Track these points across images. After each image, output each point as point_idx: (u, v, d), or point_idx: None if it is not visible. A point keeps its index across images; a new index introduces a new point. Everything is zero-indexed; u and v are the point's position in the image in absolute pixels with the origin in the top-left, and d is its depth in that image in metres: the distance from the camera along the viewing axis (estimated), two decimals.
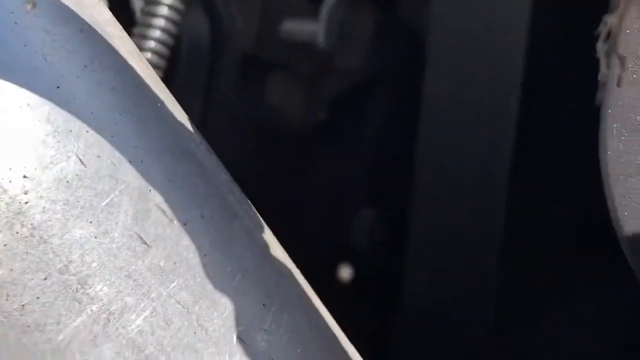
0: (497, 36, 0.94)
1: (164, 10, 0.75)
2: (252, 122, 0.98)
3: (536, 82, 0.97)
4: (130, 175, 0.45)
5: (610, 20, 0.33)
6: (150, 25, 0.74)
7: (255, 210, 0.53)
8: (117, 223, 0.44)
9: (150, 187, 0.45)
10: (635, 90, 0.53)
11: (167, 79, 0.74)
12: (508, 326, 1.02)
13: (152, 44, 0.75)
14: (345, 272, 1.17)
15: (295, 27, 0.95)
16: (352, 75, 1.08)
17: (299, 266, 0.56)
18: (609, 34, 0.33)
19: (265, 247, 0.52)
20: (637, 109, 0.53)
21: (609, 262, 0.66)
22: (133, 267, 0.44)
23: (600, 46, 0.33)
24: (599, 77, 0.34)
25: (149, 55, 0.75)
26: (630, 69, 0.47)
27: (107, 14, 0.48)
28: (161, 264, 0.45)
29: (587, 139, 0.57)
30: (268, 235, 0.53)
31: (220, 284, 0.48)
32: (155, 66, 0.76)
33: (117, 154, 0.44)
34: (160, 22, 0.75)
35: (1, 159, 0.41)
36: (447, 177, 1.01)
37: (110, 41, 0.46)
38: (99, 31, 0.46)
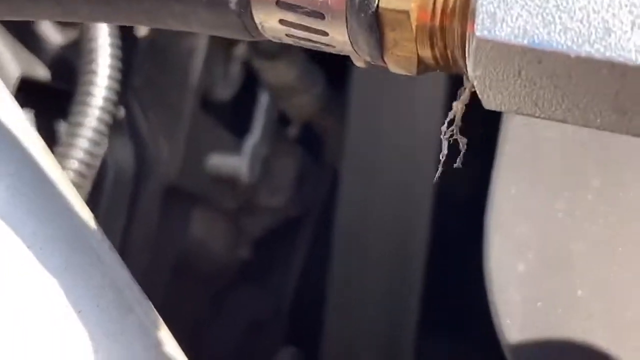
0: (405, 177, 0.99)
1: (87, 133, 0.78)
2: (171, 254, 1.00)
3: (440, 233, 1.02)
4: (26, 261, 0.47)
5: (455, 105, 0.36)
6: (73, 146, 0.77)
7: (153, 308, 0.54)
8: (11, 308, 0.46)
9: (47, 274, 0.47)
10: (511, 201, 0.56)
11: (91, 201, 0.76)
12: None
13: (74, 163, 0.78)
14: None
15: (220, 161, 0.99)
16: (274, 212, 1.11)
17: None
18: (453, 120, 0.37)
19: (159, 343, 0.53)
20: (518, 217, 0.57)
21: None
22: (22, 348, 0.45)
23: (444, 130, 0.37)
24: (441, 157, 0.38)
25: (71, 175, 0.78)
26: None
27: (11, 103, 0.50)
28: (54, 347, 0.46)
29: None
30: (164, 333, 0.54)
31: None
32: (77, 186, 0.78)
33: (15, 238, 0.46)
34: (83, 143, 0.78)
35: None
36: (355, 321, 1.04)
37: (12, 132, 0.49)
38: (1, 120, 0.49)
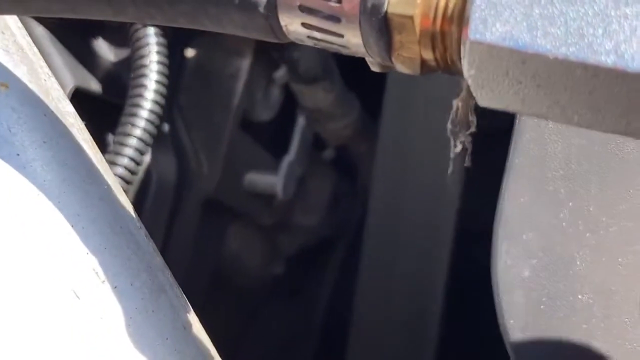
0: (431, 196, 1.03)
1: (132, 142, 0.83)
2: (208, 265, 1.04)
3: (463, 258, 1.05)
4: (69, 238, 0.52)
5: (456, 103, 0.41)
6: (119, 154, 0.83)
7: (183, 294, 0.59)
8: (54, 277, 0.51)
9: (87, 251, 0.52)
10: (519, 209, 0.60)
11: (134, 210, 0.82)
12: None
13: (119, 169, 0.83)
14: None
15: (257, 178, 1.04)
16: (308, 231, 1.16)
17: None
18: (456, 116, 0.41)
19: (187, 324, 0.58)
20: (524, 226, 0.61)
21: None
22: (63, 314, 0.50)
23: (450, 127, 0.41)
24: (451, 155, 0.42)
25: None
26: None
27: (71, 108, 0.57)
28: (89, 317, 0.51)
29: None
30: (192, 317, 0.59)
31: (139, 347, 0.53)
32: None
33: (61, 217, 0.51)
34: (128, 151, 0.83)
35: None
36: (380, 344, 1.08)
37: (69, 128, 0.55)
38: (61, 118, 0.54)
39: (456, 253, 1.04)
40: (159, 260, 0.58)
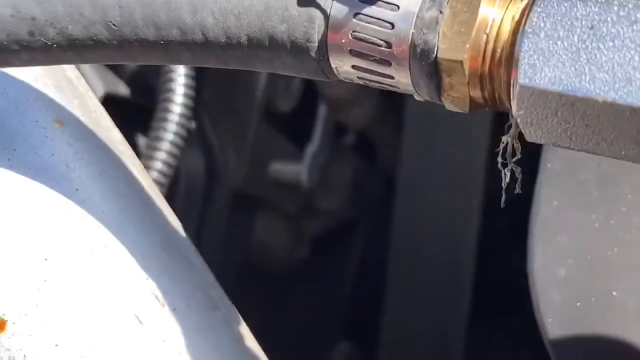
0: (457, 181, 1.05)
1: (165, 146, 0.85)
2: (239, 253, 1.07)
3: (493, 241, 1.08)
4: (130, 265, 0.54)
5: (505, 139, 0.43)
6: (153, 158, 0.85)
7: (233, 305, 0.62)
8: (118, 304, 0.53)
9: (147, 276, 0.55)
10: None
11: None
12: None
13: (154, 174, 0.85)
14: None
15: (282, 168, 1.06)
16: (332, 215, 1.18)
17: None
18: (505, 150, 0.43)
19: (241, 337, 0.60)
20: (559, 227, 0.63)
21: None
22: (128, 341, 0.53)
23: (500, 160, 0.44)
24: (503, 184, 0.44)
25: None
26: None
27: (119, 136, 0.59)
28: (152, 341, 0.54)
29: None
30: (244, 328, 0.62)
31: None
32: None
33: (121, 246, 0.54)
34: (162, 155, 0.85)
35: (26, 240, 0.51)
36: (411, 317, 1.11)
37: (120, 157, 0.57)
38: (112, 148, 0.56)
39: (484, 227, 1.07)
40: (209, 276, 0.61)
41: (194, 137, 0.97)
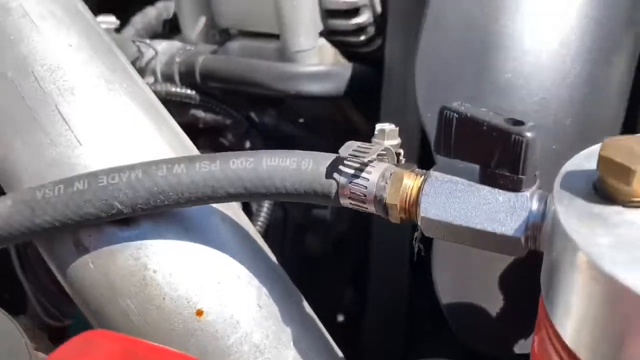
0: None
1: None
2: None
3: None
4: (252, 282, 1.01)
5: (416, 235, 0.97)
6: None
7: (312, 311, 1.02)
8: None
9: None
10: None
11: None
12: None
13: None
14: None
15: None
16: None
17: None
18: (416, 238, 0.97)
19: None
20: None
21: None
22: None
23: (417, 236, 0.97)
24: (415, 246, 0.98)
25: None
26: None
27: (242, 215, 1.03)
28: None
29: None
30: (321, 326, 1.04)
31: None
32: None
33: (249, 274, 1.04)
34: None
35: None
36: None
37: (232, 217, 1.01)
38: (237, 221, 1.00)
39: None
40: (292, 288, 1.01)
41: None
